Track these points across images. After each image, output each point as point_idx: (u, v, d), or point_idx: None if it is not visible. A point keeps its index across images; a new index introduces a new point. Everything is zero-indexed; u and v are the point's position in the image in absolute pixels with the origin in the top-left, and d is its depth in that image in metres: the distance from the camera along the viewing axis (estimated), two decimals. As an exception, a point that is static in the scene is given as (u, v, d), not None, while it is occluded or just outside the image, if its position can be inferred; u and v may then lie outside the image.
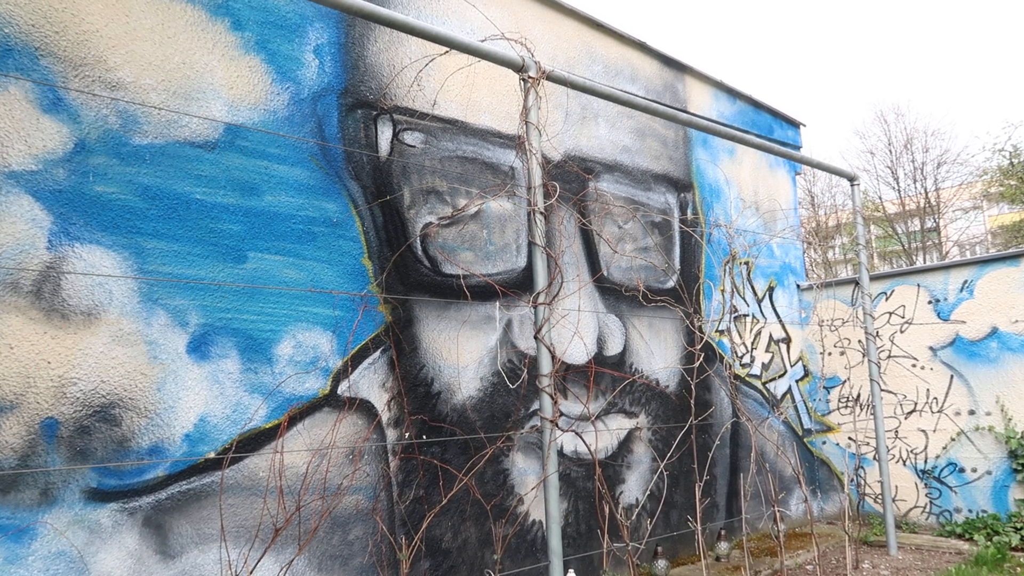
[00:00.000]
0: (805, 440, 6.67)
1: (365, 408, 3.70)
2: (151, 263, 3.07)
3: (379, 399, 3.75)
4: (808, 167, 7.08)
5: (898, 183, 25.22)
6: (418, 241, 4.04)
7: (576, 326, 4.77)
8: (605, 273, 5.06)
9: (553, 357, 3.35)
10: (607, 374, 4.91)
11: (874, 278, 6.33)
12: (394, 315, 3.87)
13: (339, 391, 3.60)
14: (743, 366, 6.12)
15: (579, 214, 4.93)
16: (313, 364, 3.52)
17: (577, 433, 4.34)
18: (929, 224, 25.01)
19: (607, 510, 4.63)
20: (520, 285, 4.50)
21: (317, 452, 3.46)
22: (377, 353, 3.78)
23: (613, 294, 5.09)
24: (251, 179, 3.42)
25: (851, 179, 5.60)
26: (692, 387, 5.10)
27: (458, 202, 4.25)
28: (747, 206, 6.47)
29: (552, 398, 3.35)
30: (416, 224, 4.05)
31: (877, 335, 6.29)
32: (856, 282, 6.59)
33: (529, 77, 3.46)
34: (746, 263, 6.36)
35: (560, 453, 4.56)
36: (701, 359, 5.54)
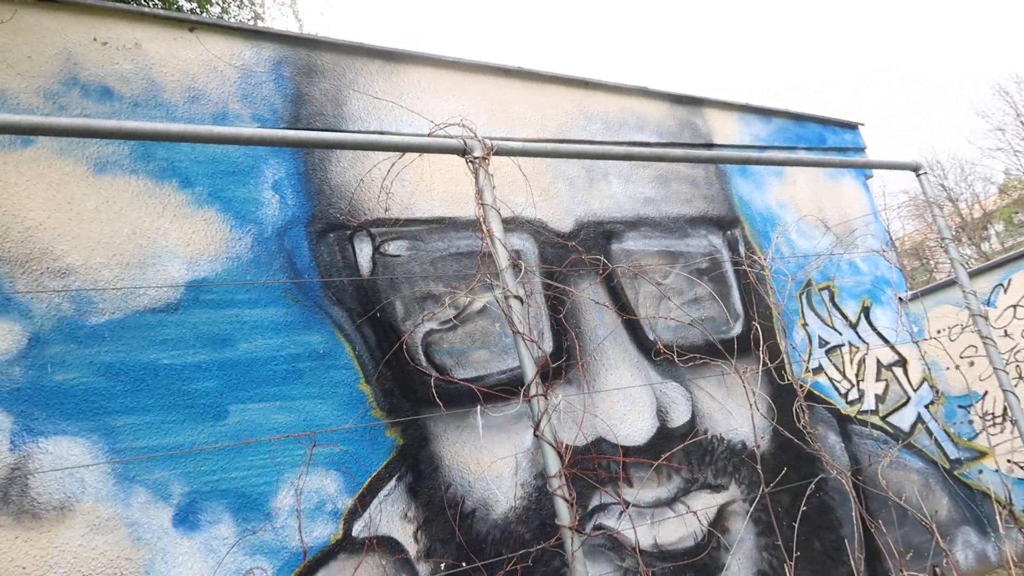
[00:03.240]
0: (956, 472, 5.68)
1: (388, 545, 3.39)
2: (123, 441, 2.97)
3: (403, 532, 3.44)
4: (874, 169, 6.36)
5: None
6: (421, 352, 3.78)
7: (627, 404, 4.30)
8: (652, 338, 4.60)
9: (560, 454, 2.94)
10: (679, 450, 4.36)
11: (980, 271, 5.46)
12: (405, 437, 3.59)
13: (354, 532, 3.32)
14: (850, 403, 5.34)
15: (605, 281, 4.55)
16: (319, 509, 3.28)
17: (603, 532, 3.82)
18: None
19: (712, 605, 4.00)
20: (548, 372, 4.12)
21: (337, 606, 3.16)
22: (392, 482, 3.49)
23: (667, 359, 4.59)
24: (221, 331, 3.32)
25: (915, 169, 4.91)
26: (792, 440, 4.45)
27: (460, 302, 4.00)
28: (813, 226, 5.83)
29: (567, 501, 2.92)
30: (416, 335, 3.81)
31: (1006, 334, 5.37)
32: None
33: (475, 158, 3.22)
34: (826, 287, 5.67)
35: (637, 550, 4.02)
36: (804, 408, 4.88)
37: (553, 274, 4.32)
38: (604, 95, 5.13)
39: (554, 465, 2.95)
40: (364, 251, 3.82)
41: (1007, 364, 5.47)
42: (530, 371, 3.03)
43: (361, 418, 3.50)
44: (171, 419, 3.08)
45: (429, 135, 3.64)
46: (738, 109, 5.84)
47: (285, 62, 3.96)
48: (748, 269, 5.06)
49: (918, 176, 4.93)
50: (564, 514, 2.91)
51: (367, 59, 4.22)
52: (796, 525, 4.46)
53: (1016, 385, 5.43)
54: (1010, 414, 5.08)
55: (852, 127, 6.61)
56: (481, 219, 3.17)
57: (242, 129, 2.76)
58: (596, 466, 4.06)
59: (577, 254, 4.48)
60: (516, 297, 3.11)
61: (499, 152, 3.31)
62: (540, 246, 4.38)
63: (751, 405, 4.55)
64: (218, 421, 3.19)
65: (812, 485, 4.52)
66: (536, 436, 2.95)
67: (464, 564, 3.50)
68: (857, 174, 6.44)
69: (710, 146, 5.53)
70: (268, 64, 3.89)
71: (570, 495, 2.92)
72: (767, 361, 4.73)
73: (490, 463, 3.76)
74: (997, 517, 5.25)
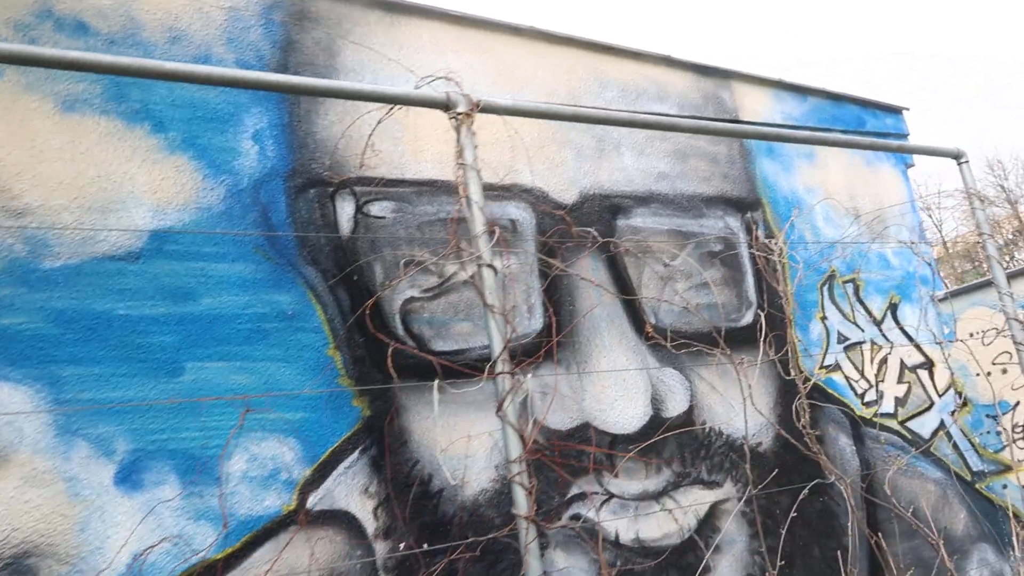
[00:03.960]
0: (978, 486, 5.32)
1: (345, 520, 3.23)
2: (68, 392, 2.84)
3: (362, 507, 3.27)
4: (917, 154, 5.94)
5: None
6: (398, 320, 3.59)
7: (622, 388, 4.06)
8: (653, 321, 4.33)
9: (523, 437, 2.73)
10: (672, 440, 4.11)
11: (1022, 272, 5.06)
12: (373, 408, 3.41)
13: (308, 504, 3.16)
14: (867, 405, 5.02)
15: (607, 258, 4.29)
16: (273, 477, 3.12)
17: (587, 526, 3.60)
18: None
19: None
20: (536, 350, 3.90)
21: (284, 579, 3.01)
22: (355, 454, 3.32)
23: (668, 341, 4.33)
24: (184, 284, 3.16)
25: (956, 157, 4.53)
26: (799, 438, 4.17)
27: (445, 270, 3.78)
28: (842, 214, 5.47)
29: (526, 488, 2.71)
30: (394, 301, 3.61)
31: (1044, 342, 4.96)
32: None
33: (458, 114, 2.98)
34: (851, 280, 5.31)
35: (615, 543, 3.80)
36: (805, 407, 4.58)
37: (550, 247, 4.08)
38: (622, 61, 4.82)
39: (515, 449, 2.75)
40: (346, 210, 3.62)
41: (1043, 374, 5.07)
42: (498, 346, 2.82)
43: (327, 385, 3.33)
44: (122, 372, 2.94)
45: (416, 88, 3.42)
46: (770, 85, 5.48)
47: (277, 6, 3.75)
48: (758, 254, 4.73)
49: (959, 165, 4.56)
50: (521, 502, 2.71)
51: (366, 8, 3.99)
52: (783, 531, 4.19)
53: (1051, 398, 5.04)
54: (1038, 428, 4.73)
55: (896, 111, 6.18)
56: (459, 180, 2.94)
57: (197, 67, 2.57)
58: (579, 453, 3.85)
59: (577, 226, 4.22)
60: (489, 266, 2.89)
61: (485, 109, 3.07)
62: (539, 216, 4.14)
63: (744, 399, 4.27)
64: (172, 378, 3.04)
65: (805, 491, 4.23)
66: (498, 416, 2.75)
67: (425, 546, 3.32)
68: (897, 162, 6.03)
69: (736, 122, 5.19)
70: (259, 7, 3.69)
71: (530, 483, 2.71)
72: (768, 353, 4.43)
73: (464, 441, 3.56)
74: (1015, 537, 4.89)
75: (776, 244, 4.65)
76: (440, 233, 3.82)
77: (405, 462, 3.40)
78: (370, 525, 3.26)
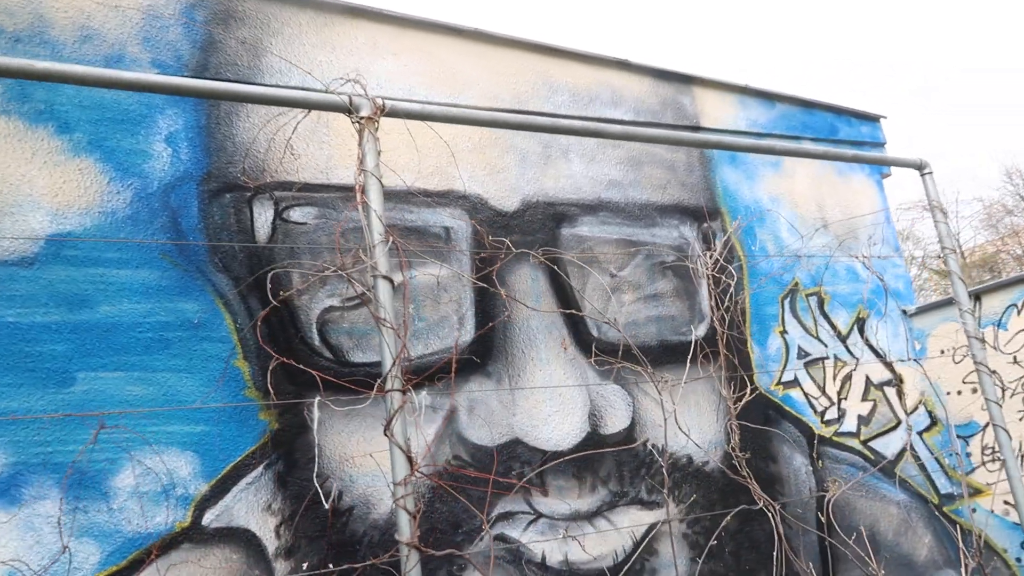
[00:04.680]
0: (946, 509, 5.11)
1: (244, 538, 3.10)
2: (-53, 401, 2.74)
3: (263, 525, 3.14)
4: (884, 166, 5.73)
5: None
6: (314, 330, 3.46)
7: (556, 404, 3.91)
8: (596, 334, 4.18)
9: (411, 460, 2.59)
10: (610, 458, 3.96)
11: (993, 287, 4.85)
12: (281, 421, 3.28)
13: (204, 521, 3.04)
14: (827, 423, 4.83)
15: (548, 269, 4.14)
16: (167, 493, 3.00)
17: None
18: None
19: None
20: (466, 365, 3.76)
21: (172, 600, 2.89)
22: (259, 469, 3.19)
23: (612, 356, 4.18)
24: (81, 291, 3.06)
25: (919, 168, 4.35)
26: (743, 458, 3.99)
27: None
28: (809, 225, 5.28)
29: (410, 513, 2.57)
30: (311, 311, 3.49)
31: (1015, 360, 4.76)
32: (976, 296, 5.11)
33: (361, 118, 2.86)
34: (815, 293, 5.13)
35: (540, 565, 3.65)
36: (734, 428, 4.41)
37: (485, 256, 3.94)
38: (574, 65, 4.68)
39: (401, 470, 2.61)
40: (264, 216, 3.51)
41: (1013, 395, 4.86)
42: (388, 362, 2.69)
43: (232, 397, 3.21)
44: (6, 381, 2.83)
45: (325, 91, 3.29)
46: (736, 91, 5.31)
47: (200, 6, 3.64)
48: (721, 266, 4.57)
49: (922, 176, 4.37)
50: (404, 527, 2.57)
51: (297, 8, 3.87)
52: (741, 553, 4.00)
53: None
54: (998, 451, 4.52)
55: (872, 119, 5.98)
56: (359, 187, 2.81)
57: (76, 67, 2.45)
58: (506, 470, 3.70)
59: (518, 235, 4.08)
60: (385, 278, 2.76)
61: (390, 112, 2.94)
62: (476, 225, 4.00)
63: (665, 418, 4.10)
64: (62, 388, 2.93)
65: (728, 518, 4.05)
66: (386, 435, 2.62)
67: (331, 566, 3.18)
68: (871, 172, 5.84)
69: (696, 129, 5.03)
70: (179, 6, 3.58)
71: (416, 507, 2.57)
72: (708, 369, 4.26)
73: (380, 457, 3.42)
74: (970, 560, 4.67)
75: (713, 257, 4.47)
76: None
77: (313, 478, 3.26)
78: (271, 544, 3.13)
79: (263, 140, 3.59)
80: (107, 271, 3.12)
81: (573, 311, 4.11)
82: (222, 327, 3.28)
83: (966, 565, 4.48)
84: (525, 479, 3.68)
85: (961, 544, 4.78)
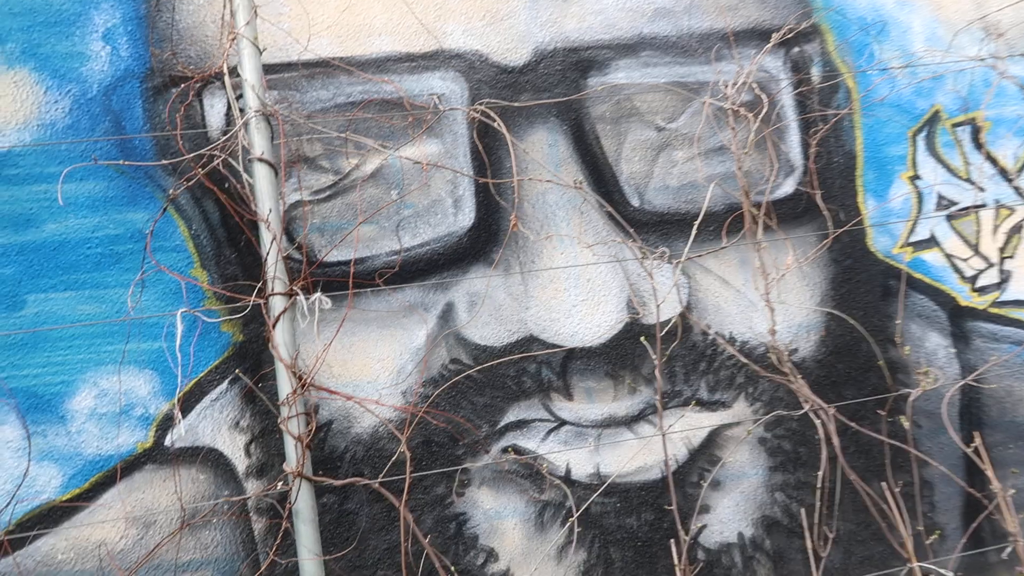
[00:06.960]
0: None
1: (211, 458, 2.90)
2: (-98, 333, 2.75)
3: (231, 443, 2.92)
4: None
5: None
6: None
7: (581, 290, 3.27)
8: (638, 204, 3.42)
9: (301, 378, 2.18)
10: (656, 353, 3.27)
11: None
12: (247, 332, 2.99)
13: (167, 441, 2.87)
14: (979, 291, 3.68)
15: (572, 129, 3.41)
16: (125, 414, 2.86)
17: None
18: None
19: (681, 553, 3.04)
20: (464, 253, 3.23)
21: (136, 522, 2.78)
22: (224, 385, 2.95)
23: (657, 229, 3.42)
24: (25, 210, 2.92)
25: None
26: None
27: (341, 166, 3.19)
28: (962, 31, 3.94)
29: (295, 437, 2.17)
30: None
31: None
32: None
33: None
34: (967, 122, 3.85)
35: (564, 479, 3.13)
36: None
37: (484, 124, 3.30)
38: None
39: (285, 387, 2.21)
40: (216, 107, 3.14)
41: None
42: (271, 264, 2.25)
43: (191, 307, 2.96)
44: (-44, 310, 2.80)
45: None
46: None
47: None
48: (789, 104, 3.52)
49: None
50: (290, 455, 2.19)
51: None
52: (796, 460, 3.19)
53: None
54: None
55: None
56: (225, 54, 2.33)
57: None
58: (518, 372, 3.17)
59: (530, 92, 3.38)
60: (263, 161, 2.30)
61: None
62: (474, 86, 3.35)
63: (765, 296, 3.25)
64: (12, 312, 2.85)
65: (765, 419, 3.17)
66: (270, 348, 2.22)
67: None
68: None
69: (783, -76, 3.85)
70: None
71: (304, 431, 2.17)
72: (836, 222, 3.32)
73: (362, 365, 3.05)
74: None
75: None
76: (338, 121, 3.21)
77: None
78: (241, 463, 2.91)
79: (210, 22, 3.19)
80: (51, 187, 2.95)
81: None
82: (176, 235, 3.02)
83: None
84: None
85: None
